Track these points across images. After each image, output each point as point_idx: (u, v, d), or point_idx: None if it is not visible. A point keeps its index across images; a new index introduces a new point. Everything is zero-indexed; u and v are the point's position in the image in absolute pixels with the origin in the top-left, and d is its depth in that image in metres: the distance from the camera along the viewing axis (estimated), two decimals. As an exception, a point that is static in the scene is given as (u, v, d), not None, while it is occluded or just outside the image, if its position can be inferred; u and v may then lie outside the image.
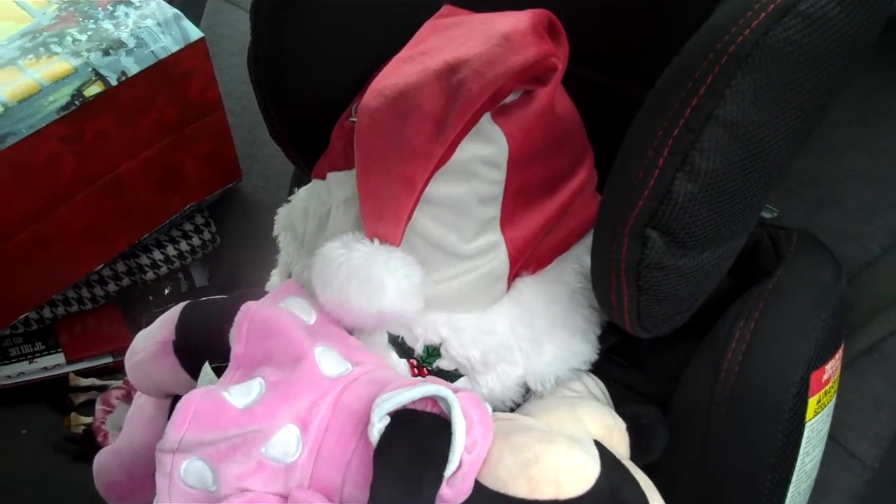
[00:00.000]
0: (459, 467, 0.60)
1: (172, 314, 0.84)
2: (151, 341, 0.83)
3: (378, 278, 0.68)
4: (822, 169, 0.85)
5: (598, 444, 0.65)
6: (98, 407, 1.17)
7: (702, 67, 0.58)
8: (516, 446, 0.62)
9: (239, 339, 0.70)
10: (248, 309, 0.70)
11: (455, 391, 0.63)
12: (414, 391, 0.61)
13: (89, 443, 1.16)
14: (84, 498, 0.91)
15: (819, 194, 0.84)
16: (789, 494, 0.70)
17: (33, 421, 1.25)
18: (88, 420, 1.20)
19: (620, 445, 0.69)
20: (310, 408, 0.65)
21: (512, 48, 0.69)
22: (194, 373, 0.75)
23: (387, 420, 0.61)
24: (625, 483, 0.63)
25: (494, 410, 0.75)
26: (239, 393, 0.66)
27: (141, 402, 0.91)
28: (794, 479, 0.69)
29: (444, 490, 0.60)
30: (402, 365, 0.75)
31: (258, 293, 0.79)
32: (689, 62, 0.59)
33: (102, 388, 1.26)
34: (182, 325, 0.82)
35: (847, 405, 0.78)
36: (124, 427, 0.92)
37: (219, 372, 0.71)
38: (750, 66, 0.57)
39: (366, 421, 0.61)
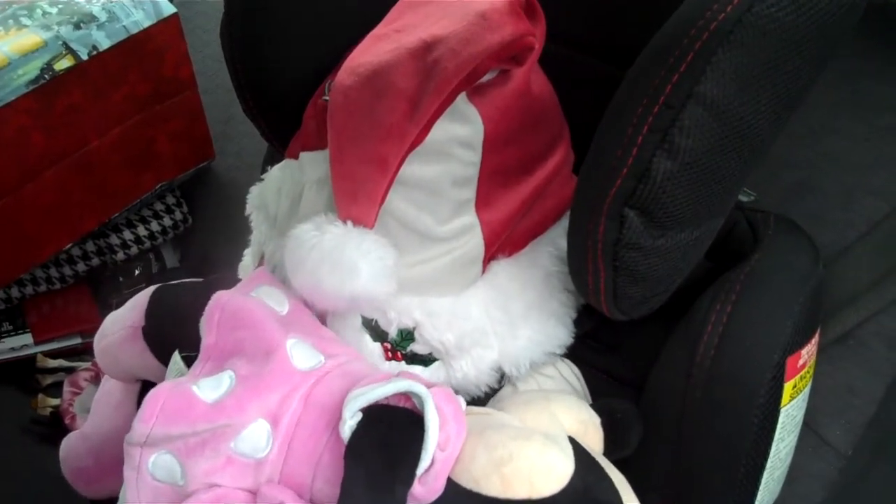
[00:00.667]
0: (432, 465, 0.59)
1: (142, 298, 0.82)
2: (121, 325, 0.82)
3: (351, 261, 0.67)
4: (801, 153, 0.85)
5: (572, 440, 0.64)
6: (66, 389, 1.16)
7: (682, 44, 0.57)
8: (490, 444, 0.61)
9: (209, 329, 0.68)
10: (220, 298, 0.69)
11: (429, 386, 0.61)
12: (386, 387, 0.60)
13: (57, 425, 1.15)
14: (51, 480, 0.90)
15: (797, 178, 0.84)
16: (763, 479, 0.69)
17: (0, 402, 1.23)
18: (56, 402, 1.19)
19: (595, 440, 0.69)
20: (280, 402, 0.63)
21: (489, 27, 0.68)
22: (164, 359, 0.74)
23: (359, 416, 0.59)
24: (599, 481, 0.63)
25: (469, 395, 0.75)
26: (208, 386, 0.65)
27: (109, 386, 0.89)
28: (768, 464, 0.69)
29: (417, 488, 0.59)
30: (376, 349, 0.74)
31: (230, 279, 0.78)
32: (670, 38, 0.58)
33: (70, 370, 1.24)
34: (151, 311, 0.80)
35: (821, 391, 0.78)
36: (91, 412, 0.91)
37: (189, 361, 0.70)
38: (732, 42, 0.56)
39: (337, 416, 0.60)
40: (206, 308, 0.69)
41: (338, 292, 0.67)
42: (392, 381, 0.60)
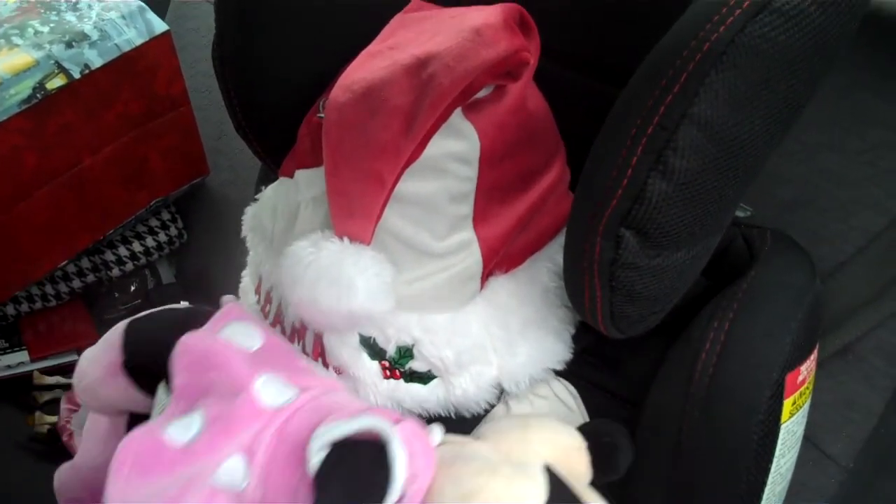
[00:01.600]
0: (401, 499, 0.59)
1: (115, 335, 0.81)
2: (99, 365, 0.81)
3: (348, 277, 0.67)
4: (796, 169, 0.85)
5: (549, 469, 0.63)
6: (63, 406, 1.15)
7: (675, 65, 0.57)
8: (457, 478, 0.61)
9: (179, 371, 0.69)
10: (186, 343, 0.70)
11: (397, 421, 0.62)
12: (351, 424, 0.60)
13: (54, 442, 1.15)
14: (48, 498, 0.89)
15: (793, 194, 0.84)
16: (764, 497, 0.69)
17: (-4, 419, 1.23)
18: (53, 419, 1.18)
19: (580, 465, 0.68)
20: (254, 437, 0.64)
21: (483, 42, 0.68)
22: (148, 389, 0.74)
23: (325, 452, 0.59)
24: None
25: (469, 412, 0.74)
26: (179, 430, 0.65)
27: (93, 420, 0.89)
28: (769, 480, 0.68)
29: None
30: (374, 366, 0.74)
31: (199, 311, 0.77)
32: (662, 60, 0.58)
33: (68, 387, 1.24)
34: (129, 344, 0.80)
35: (821, 406, 0.77)
36: (82, 443, 0.91)
37: None
38: (724, 63, 0.56)
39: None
40: (174, 351, 0.69)
41: (335, 309, 0.67)
42: (357, 419, 0.60)
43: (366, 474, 0.59)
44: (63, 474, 0.89)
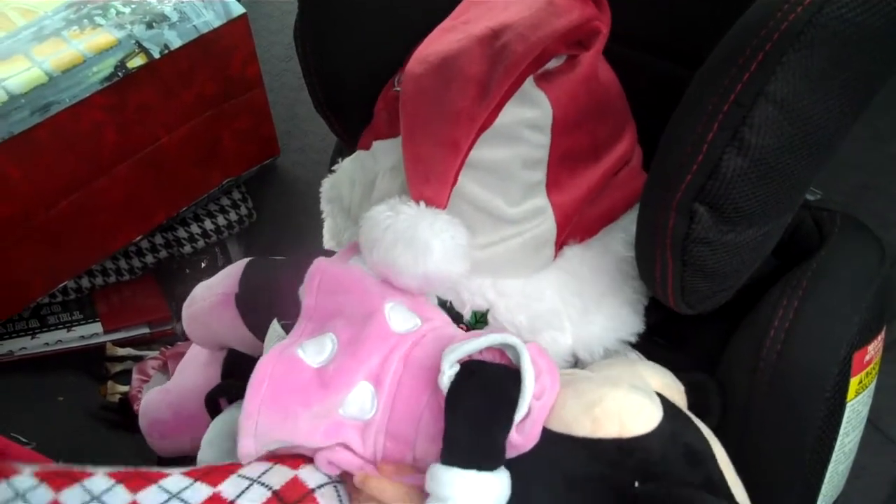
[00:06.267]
0: (529, 413, 0.60)
1: (236, 268, 0.84)
2: (212, 292, 0.84)
3: (423, 239, 0.69)
4: (867, 155, 0.84)
5: (659, 395, 0.65)
6: (135, 376, 1.18)
7: (753, 44, 0.58)
8: (580, 391, 0.63)
9: (310, 292, 0.71)
10: (320, 264, 0.72)
11: (525, 342, 0.63)
12: (482, 340, 0.62)
13: (125, 411, 1.17)
14: (120, 463, 0.91)
15: (862, 180, 0.84)
16: (828, 473, 0.70)
17: (70, 388, 1.26)
18: (125, 389, 1.21)
19: (680, 403, 0.69)
20: (381, 364, 0.66)
21: (555, 12, 0.70)
22: (255, 328, 0.76)
23: (456, 368, 0.62)
24: (687, 428, 0.63)
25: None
26: (312, 350, 0.67)
27: (196, 350, 0.92)
28: (833, 457, 0.69)
29: (514, 435, 0.60)
30: None
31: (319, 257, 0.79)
32: (740, 39, 0.60)
33: (138, 359, 1.27)
34: (246, 279, 0.82)
35: (887, 390, 0.77)
36: (176, 372, 0.94)
37: (287, 329, 0.72)
38: (802, 43, 0.57)
39: (435, 376, 0.62)
40: (308, 272, 0.72)
41: (412, 271, 0.69)
42: (487, 335, 0.62)
43: (496, 389, 0.61)
44: (151, 395, 0.92)
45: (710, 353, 0.76)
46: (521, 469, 0.61)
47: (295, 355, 0.66)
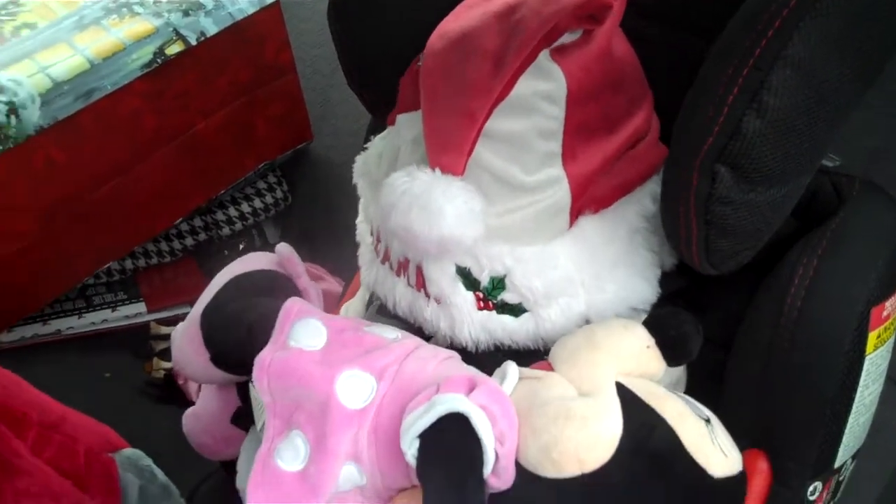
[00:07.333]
0: (498, 461, 0.63)
1: (193, 331, 0.83)
2: (191, 362, 0.84)
3: (437, 204, 0.71)
4: (881, 120, 0.86)
5: (621, 386, 0.67)
6: (177, 352, 1.22)
7: (771, 10, 0.61)
8: (536, 430, 0.65)
9: (264, 392, 0.73)
10: (262, 362, 0.73)
11: (471, 387, 0.66)
12: (430, 415, 0.64)
13: (170, 385, 1.21)
14: (165, 438, 0.95)
15: (878, 144, 0.85)
16: (849, 423, 0.72)
17: (116, 366, 1.31)
18: (169, 365, 1.25)
19: (652, 362, 0.71)
20: (354, 442, 0.69)
21: None
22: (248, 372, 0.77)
23: (417, 443, 0.64)
24: (651, 430, 0.65)
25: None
26: (289, 456, 0.70)
27: None
28: (853, 409, 0.72)
29: (493, 480, 0.64)
30: (469, 297, 0.78)
31: (270, 307, 0.79)
32: (759, 5, 0.62)
33: (182, 335, 1.31)
34: (211, 345, 0.82)
35: (905, 348, 0.79)
36: (200, 394, 0.97)
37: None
38: (818, 10, 0.60)
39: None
40: (254, 373, 0.73)
41: (426, 235, 0.71)
42: (433, 407, 0.64)
43: (459, 451, 0.63)
44: (188, 422, 0.95)
45: (733, 316, 0.78)
46: None
47: (277, 467, 0.70)
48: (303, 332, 0.75)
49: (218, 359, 0.81)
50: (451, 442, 0.64)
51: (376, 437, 0.69)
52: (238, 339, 0.77)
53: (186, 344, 0.84)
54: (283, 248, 0.87)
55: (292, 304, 0.77)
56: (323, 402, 0.69)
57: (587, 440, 0.64)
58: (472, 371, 0.71)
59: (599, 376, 0.68)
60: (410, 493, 0.68)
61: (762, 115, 0.62)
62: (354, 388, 0.70)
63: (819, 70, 0.62)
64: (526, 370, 0.71)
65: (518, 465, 0.65)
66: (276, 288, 0.83)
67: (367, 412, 0.69)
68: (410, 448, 0.64)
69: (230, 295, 0.84)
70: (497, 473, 0.64)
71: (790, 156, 0.65)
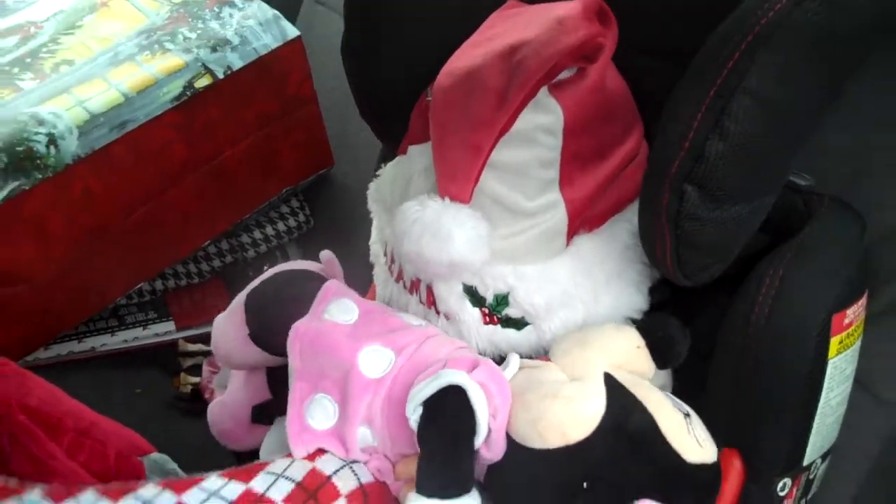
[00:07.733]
0: (490, 433, 0.71)
1: (237, 308, 0.92)
2: (229, 338, 0.92)
3: (447, 230, 0.77)
4: (857, 143, 0.89)
5: (608, 377, 0.74)
6: (205, 368, 1.25)
7: (731, 45, 0.68)
8: (526, 405, 0.72)
9: (294, 357, 0.81)
10: (297, 330, 0.82)
11: (473, 366, 0.74)
12: (433, 384, 0.71)
13: (197, 399, 1.26)
14: (193, 447, 0.99)
15: (854, 167, 0.88)
16: (815, 425, 0.77)
17: (147, 381, 1.35)
18: (196, 380, 1.29)
19: (641, 361, 0.78)
20: (368, 407, 0.77)
21: (564, 30, 0.78)
22: (281, 351, 0.85)
23: (420, 410, 0.72)
24: (630, 413, 0.72)
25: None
26: (320, 416, 0.79)
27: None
28: (819, 410, 0.77)
29: (484, 451, 0.72)
30: (476, 313, 0.84)
31: (308, 288, 0.88)
32: (721, 41, 0.69)
33: (208, 353, 1.35)
34: (252, 320, 0.90)
35: (875, 355, 0.84)
36: (230, 382, 1.03)
37: None
38: (772, 45, 0.66)
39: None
40: (288, 338, 0.81)
41: (437, 259, 0.78)
42: (438, 378, 0.72)
43: (455, 420, 0.71)
44: (214, 409, 1.02)
45: (711, 328, 0.83)
46: (499, 478, 0.73)
47: (309, 426, 0.80)
48: (337, 308, 0.83)
49: (257, 334, 0.88)
50: (449, 411, 0.71)
51: (389, 405, 0.76)
52: (277, 315, 0.85)
53: (228, 324, 0.92)
54: (327, 253, 0.95)
55: (331, 284, 0.86)
56: (346, 370, 0.78)
57: (570, 416, 0.71)
58: (481, 358, 0.78)
59: (590, 366, 0.75)
60: (412, 459, 0.74)
61: (724, 138, 0.68)
62: (375, 361, 0.78)
63: (776, 98, 0.68)
64: (527, 360, 0.79)
65: (509, 437, 0.72)
66: (315, 279, 0.90)
67: (383, 382, 0.77)
68: (414, 414, 0.72)
69: (273, 280, 0.93)
70: (488, 445, 0.71)
71: (753, 176, 0.71)
